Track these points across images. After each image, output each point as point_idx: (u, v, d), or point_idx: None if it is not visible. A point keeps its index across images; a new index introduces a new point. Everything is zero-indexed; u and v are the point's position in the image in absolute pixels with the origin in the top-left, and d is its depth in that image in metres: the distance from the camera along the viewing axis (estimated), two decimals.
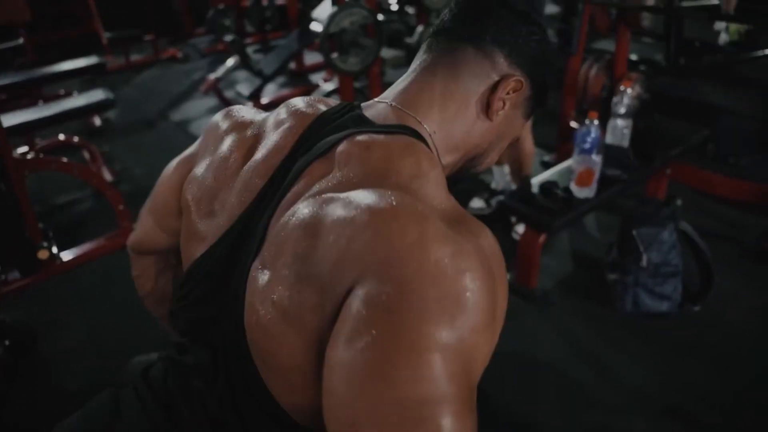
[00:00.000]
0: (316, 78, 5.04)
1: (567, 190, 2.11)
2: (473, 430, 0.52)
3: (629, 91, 2.27)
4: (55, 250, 2.23)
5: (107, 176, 3.26)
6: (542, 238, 2.11)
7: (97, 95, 3.26)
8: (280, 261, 0.59)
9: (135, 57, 5.90)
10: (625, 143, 2.31)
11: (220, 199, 0.74)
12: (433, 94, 0.73)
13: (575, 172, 2.08)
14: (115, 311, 2.21)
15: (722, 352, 1.90)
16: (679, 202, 2.59)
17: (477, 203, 2.76)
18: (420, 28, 4.00)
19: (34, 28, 5.17)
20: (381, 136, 0.67)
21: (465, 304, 0.52)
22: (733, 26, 3.98)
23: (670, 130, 2.58)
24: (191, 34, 6.65)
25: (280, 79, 5.11)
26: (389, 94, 0.76)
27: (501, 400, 1.74)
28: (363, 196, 0.57)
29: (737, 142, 3.03)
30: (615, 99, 2.30)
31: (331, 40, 2.80)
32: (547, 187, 2.14)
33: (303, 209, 0.60)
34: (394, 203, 0.56)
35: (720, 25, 4.19)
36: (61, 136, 3.63)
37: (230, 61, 4.38)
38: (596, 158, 2.04)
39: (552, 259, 2.43)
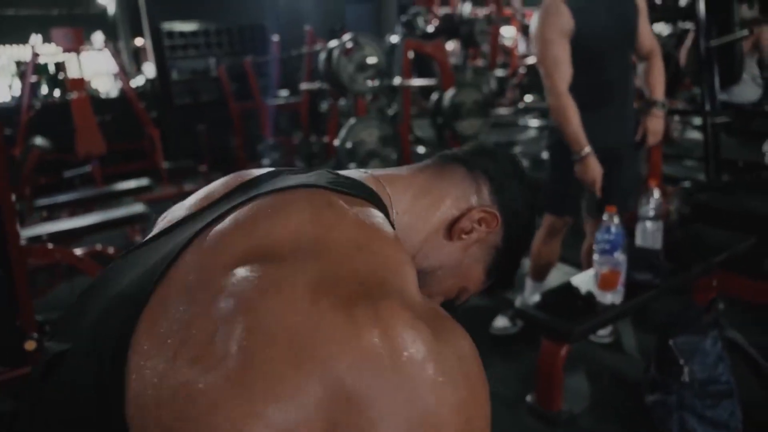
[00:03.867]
0: None
1: (590, 294, 1.88)
2: None
3: (656, 191, 2.10)
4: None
5: None
6: (564, 350, 1.84)
7: (135, 209, 3.39)
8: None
9: (188, 186, 6.26)
10: (657, 246, 2.09)
11: None
12: (412, 183, 0.72)
13: (598, 274, 1.86)
14: None
15: None
16: (721, 305, 2.26)
17: (501, 322, 2.51)
18: None
19: (105, 159, 5.65)
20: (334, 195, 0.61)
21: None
22: None
23: (712, 237, 2.34)
24: (244, 167, 7.04)
25: None
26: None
27: None
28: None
29: None
30: (642, 200, 2.13)
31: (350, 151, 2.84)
32: (567, 291, 1.93)
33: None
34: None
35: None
36: (98, 246, 3.74)
37: None
38: (620, 258, 1.83)
39: (581, 377, 2.12)
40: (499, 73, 6.47)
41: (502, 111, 6.72)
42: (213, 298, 0.50)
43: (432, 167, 0.75)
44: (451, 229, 0.71)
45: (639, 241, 2.13)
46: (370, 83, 2.99)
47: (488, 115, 4.18)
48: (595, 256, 1.86)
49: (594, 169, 2.01)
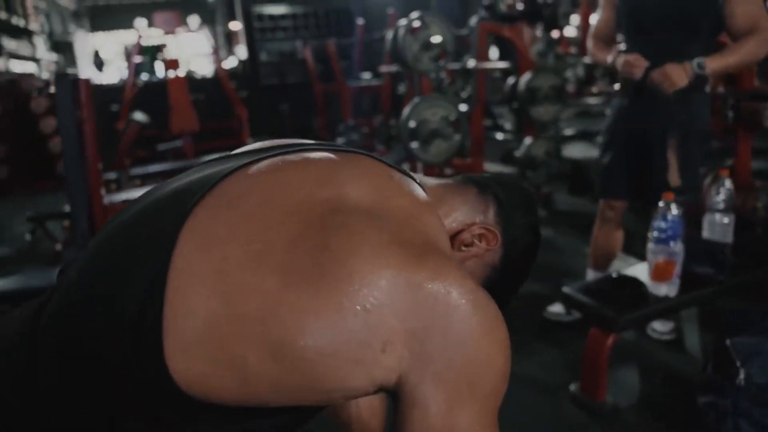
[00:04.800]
0: None
1: (642, 284, 1.80)
2: None
3: (728, 181, 1.96)
4: None
5: None
6: (611, 339, 1.78)
7: None
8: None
9: None
10: (726, 240, 1.95)
11: None
12: (434, 191, 0.79)
13: (651, 264, 1.78)
14: None
15: None
16: None
17: (556, 308, 2.45)
18: (528, 140, 3.96)
19: (197, 136, 6.00)
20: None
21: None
22: None
23: None
24: None
25: None
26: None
27: None
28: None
29: None
30: (712, 190, 1.99)
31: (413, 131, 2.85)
32: (619, 280, 1.85)
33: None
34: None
35: None
36: None
37: None
38: (676, 248, 1.74)
39: (632, 372, 2.03)
40: (588, 60, 6.18)
41: (592, 100, 6.44)
42: (285, 215, 0.58)
43: (452, 184, 0.83)
44: (453, 240, 0.76)
45: (706, 233, 2.00)
46: (435, 63, 2.97)
47: (565, 101, 4.03)
48: (650, 245, 1.78)
49: (627, 57, 1.97)
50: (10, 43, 7.99)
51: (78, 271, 0.62)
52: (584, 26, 5.64)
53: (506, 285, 0.81)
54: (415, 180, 0.74)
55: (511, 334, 0.59)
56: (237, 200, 0.59)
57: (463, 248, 0.77)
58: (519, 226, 0.80)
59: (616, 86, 2.23)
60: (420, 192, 0.71)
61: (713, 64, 1.87)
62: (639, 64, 1.93)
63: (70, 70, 9.46)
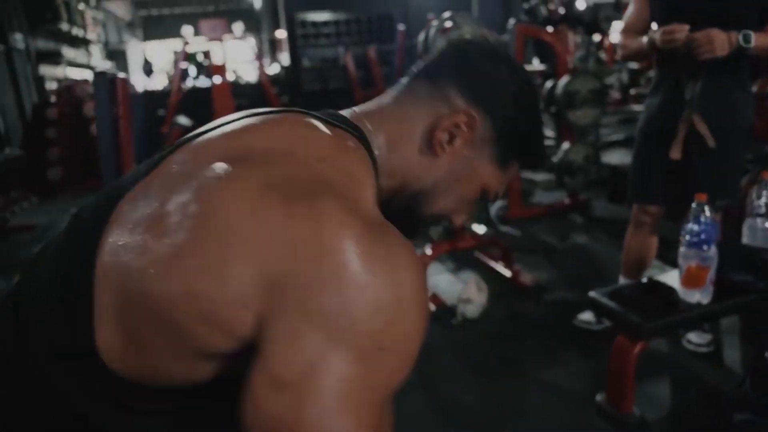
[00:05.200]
0: None
1: (672, 290, 1.71)
2: None
3: None
4: None
5: None
6: (638, 347, 1.69)
7: None
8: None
9: None
10: None
11: None
12: (385, 113, 0.73)
13: (682, 269, 1.68)
14: None
15: None
16: None
17: (586, 316, 2.36)
18: (565, 145, 3.87)
19: None
20: (317, 121, 0.66)
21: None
22: None
23: None
24: None
25: None
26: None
27: None
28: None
29: None
30: (754, 193, 1.88)
31: None
32: (649, 286, 1.77)
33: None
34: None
35: None
36: None
37: None
38: (710, 252, 1.64)
39: (664, 383, 1.94)
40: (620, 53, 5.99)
41: (637, 107, 6.24)
42: (183, 183, 0.57)
43: (403, 91, 0.74)
44: (431, 145, 0.70)
45: (746, 239, 1.88)
46: None
47: (605, 105, 3.91)
48: (681, 249, 1.68)
49: (665, 27, 1.84)
50: (69, 52, 8.40)
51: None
52: None
53: (522, 139, 0.74)
54: (346, 124, 0.68)
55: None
56: (156, 179, 0.61)
57: (446, 147, 0.70)
58: (491, 83, 0.71)
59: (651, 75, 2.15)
60: (338, 136, 0.65)
61: (760, 40, 1.76)
62: (679, 29, 1.79)
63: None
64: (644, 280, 1.85)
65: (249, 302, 0.51)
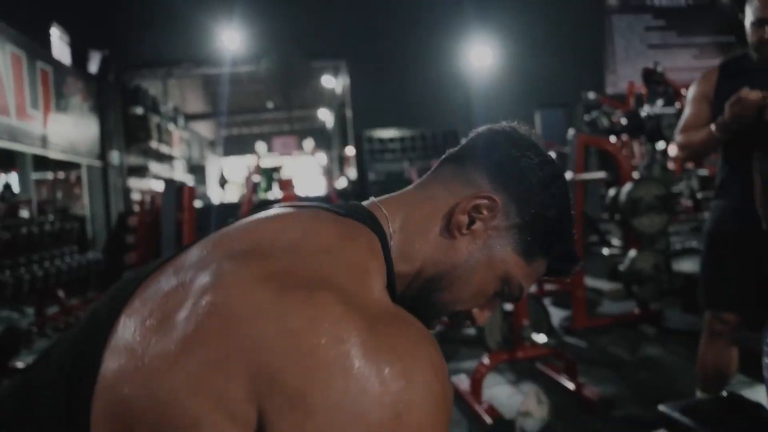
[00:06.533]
0: None
1: (760, 408, 1.51)
2: None
3: None
4: None
5: None
6: None
7: None
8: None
9: None
10: None
11: None
12: (406, 198, 0.73)
13: None
14: None
15: None
16: None
17: None
18: (632, 253, 3.72)
19: None
20: (328, 213, 0.67)
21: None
22: None
23: None
24: None
25: None
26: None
27: None
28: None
29: None
30: None
31: None
32: (730, 401, 1.58)
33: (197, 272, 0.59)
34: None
35: None
36: None
37: None
38: None
39: None
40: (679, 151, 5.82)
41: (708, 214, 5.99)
42: (191, 277, 0.57)
43: (428, 176, 0.75)
44: (450, 228, 0.69)
45: None
46: None
47: (673, 212, 3.77)
48: (765, 360, 1.50)
49: (739, 94, 1.70)
50: (155, 166, 9.18)
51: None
52: None
53: (550, 229, 0.71)
54: (360, 212, 0.68)
55: None
56: (162, 275, 0.60)
57: (465, 231, 0.68)
58: (518, 169, 0.70)
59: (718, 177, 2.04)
60: (347, 226, 0.65)
61: None
62: (753, 92, 1.68)
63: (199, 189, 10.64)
64: (724, 394, 1.66)
65: (246, 393, 0.49)
